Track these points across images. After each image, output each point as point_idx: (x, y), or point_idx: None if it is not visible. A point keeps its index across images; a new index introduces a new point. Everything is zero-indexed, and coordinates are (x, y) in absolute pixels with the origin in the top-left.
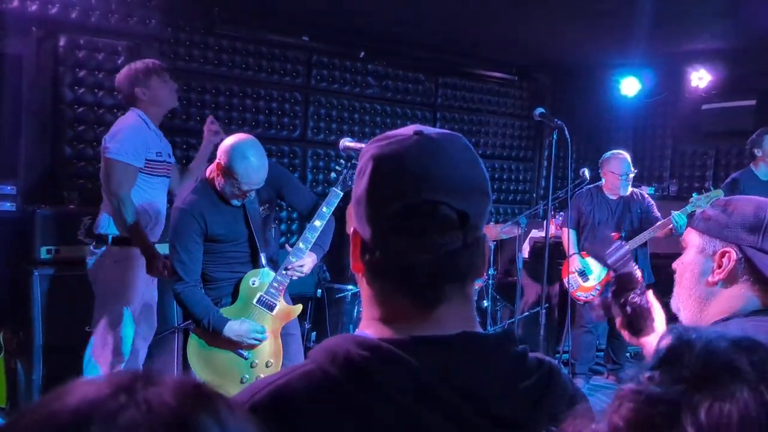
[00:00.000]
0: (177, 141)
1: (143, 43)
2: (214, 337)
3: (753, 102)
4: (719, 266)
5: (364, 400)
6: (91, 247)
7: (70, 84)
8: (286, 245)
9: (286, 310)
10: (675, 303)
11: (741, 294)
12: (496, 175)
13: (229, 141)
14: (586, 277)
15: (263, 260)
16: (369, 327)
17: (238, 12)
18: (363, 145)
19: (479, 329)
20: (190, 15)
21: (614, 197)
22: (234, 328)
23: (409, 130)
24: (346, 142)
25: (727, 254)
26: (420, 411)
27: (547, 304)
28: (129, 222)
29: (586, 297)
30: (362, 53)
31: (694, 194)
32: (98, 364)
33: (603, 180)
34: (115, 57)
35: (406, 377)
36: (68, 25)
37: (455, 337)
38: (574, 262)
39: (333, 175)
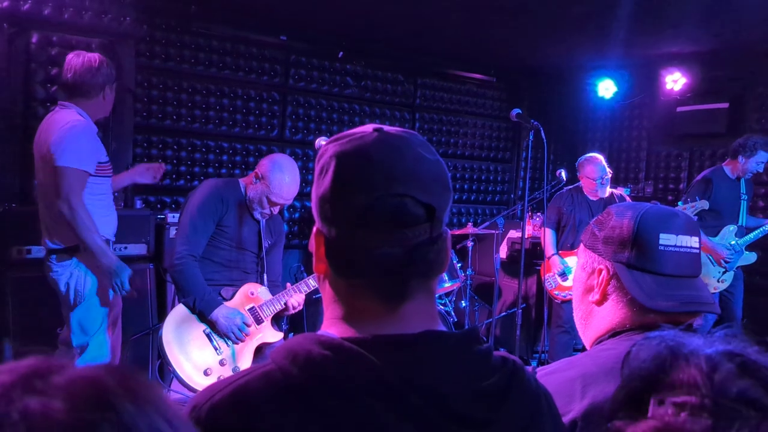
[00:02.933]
0: (153, 140)
1: (117, 41)
2: (198, 319)
3: (726, 105)
4: (598, 285)
5: (325, 399)
6: (53, 262)
7: (42, 81)
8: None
9: (270, 332)
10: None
11: (609, 313)
12: (475, 176)
13: (270, 156)
14: (566, 276)
15: (265, 281)
16: (332, 326)
17: (215, 10)
18: None
19: (442, 327)
20: (166, 13)
21: (594, 198)
22: (224, 312)
23: (368, 128)
24: (323, 141)
25: (600, 272)
26: (382, 410)
27: (524, 305)
28: (84, 230)
29: (564, 296)
30: (341, 53)
31: (679, 203)
32: None
33: (581, 182)
34: None
35: (369, 376)
36: (41, 22)
37: (418, 336)
38: (555, 263)
39: (310, 176)
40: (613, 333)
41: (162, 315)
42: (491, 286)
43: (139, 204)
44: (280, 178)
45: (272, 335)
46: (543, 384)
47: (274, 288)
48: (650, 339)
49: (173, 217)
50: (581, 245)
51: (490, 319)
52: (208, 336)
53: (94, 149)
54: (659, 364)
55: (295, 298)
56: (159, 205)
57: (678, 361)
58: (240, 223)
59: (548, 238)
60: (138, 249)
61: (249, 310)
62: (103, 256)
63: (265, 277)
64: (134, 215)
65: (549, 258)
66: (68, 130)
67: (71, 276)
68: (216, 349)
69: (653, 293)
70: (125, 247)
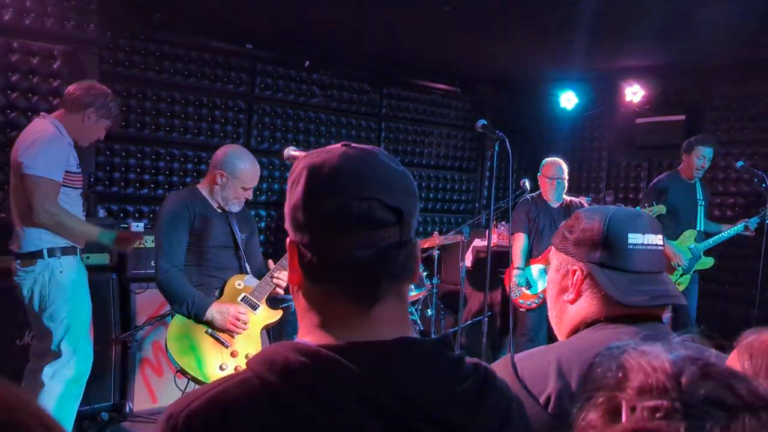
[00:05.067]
0: (116, 148)
1: (81, 48)
2: (195, 322)
3: (683, 117)
4: (572, 284)
5: (302, 406)
6: (17, 266)
7: (2, 88)
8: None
9: (268, 313)
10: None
11: (583, 308)
12: (440, 185)
13: (220, 153)
14: (530, 285)
15: (248, 269)
16: (308, 334)
17: (180, 18)
18: None
19: (415, 334)
20: (130, 20)
21: (555, 205)
22: (216, 309)
23: (337, 145)
24: (291, 151)
25: (575, 272)
26: (359, 416)
27: (489, 313)
28: (74, 228)
29: (529, 304)
30: (307, 63)
31: (637, 208)
32: (59, 383)
33: (540, 187)
34: (51, 61)
35: (346, 383)
36: (1, 28)
37: (393, 343)
38: (519, 277)
39: (276, 185)
40: (587, 324)
41: (126, 326)
42: (457, 294)
43: (101, 213)
44: (244, 165)
45: (272, 315)
46: (520, 366)
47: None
48: (613, 349)
49: (137, 226)
50: (552, 248)
51: (456, 328)
52: (211, 335)
53: (60, 158)
54: (626, 371)
55: (282, 276)
56: (122, 214)
57: (644, 366)
58: (210, 224)
59: (518, 246)
60: (100, 259)
61: (242, 299)
62: (90, 238)
63: (248, 267)
64: (97, 224)
65: (515, 269)
66: (36, 140)
67: (35, 282)
68: (223, 343)
69: (626, 290)
70: (87, 257)
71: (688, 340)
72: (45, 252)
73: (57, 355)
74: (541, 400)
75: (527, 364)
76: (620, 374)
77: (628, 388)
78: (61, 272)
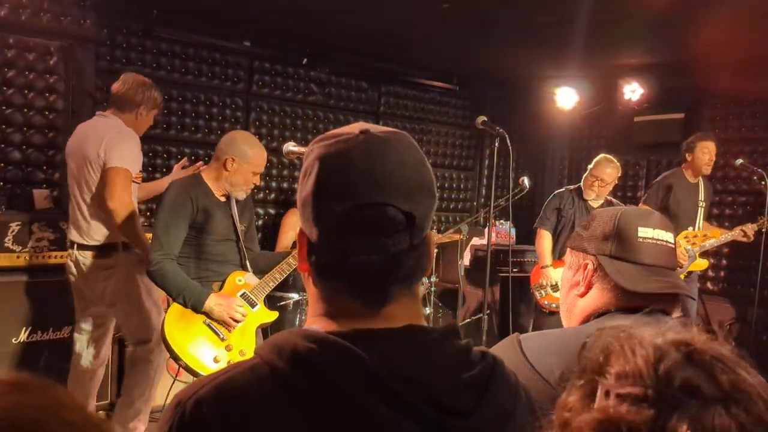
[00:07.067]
0: None
1: (77, 44)
2: (192, 312)
3: (681, 115)
4: (584, 278)
5: (310, 391)
6: (91, 258)
7: None
8: None
9: (266, 312)
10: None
11: (594, 299)
12: (438, 184)
13: (228, 138)
14: (557, 288)
15: (249, 267)
16: (316, 322)
17: (177, 14)
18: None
19: (425, 323)
20: (127, 16)
21: (596, 204)
22: (215, 301)
23: (354, 128)
24: (290, 147)
25: (586, 266)
26: (367, 401)
27: (488, 311)
28: (138, 231)
29: (551, 306)
30: (305, 60)
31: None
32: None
33: (583, 183)
34: (48, 57)
35: (354, 368)
36: None
37: (400, 330)
38: (548, 276)
39: (273, 183)
40: (597, 316)
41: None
42: (455, 292)
43: None
44: (254, 152)
45: (269, 315)
46: (526, 343)
47: (256, 257)
48: (604, 330)
49: None
50: (567, 249)
51: None
52: (208, 326)
53: (138, 155)
54: (608, 355)
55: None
56: None
57: (626, 351)
58: (212, 217)
59: (543, 243)
60: None
61: (241, 296)
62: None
63: (248, 262)
64: None
65: (542, 268)
66: (117, 134)
67: (111, 276)
68: (219, 335)
69: (635, 279)
70: None
71: (683, 324)
72: (120, 245)
73: (149, 342)
74: (545, 376)
75: (533, 343)
76: (602, 358)
77: (607, 373)
78: (136, 264)
